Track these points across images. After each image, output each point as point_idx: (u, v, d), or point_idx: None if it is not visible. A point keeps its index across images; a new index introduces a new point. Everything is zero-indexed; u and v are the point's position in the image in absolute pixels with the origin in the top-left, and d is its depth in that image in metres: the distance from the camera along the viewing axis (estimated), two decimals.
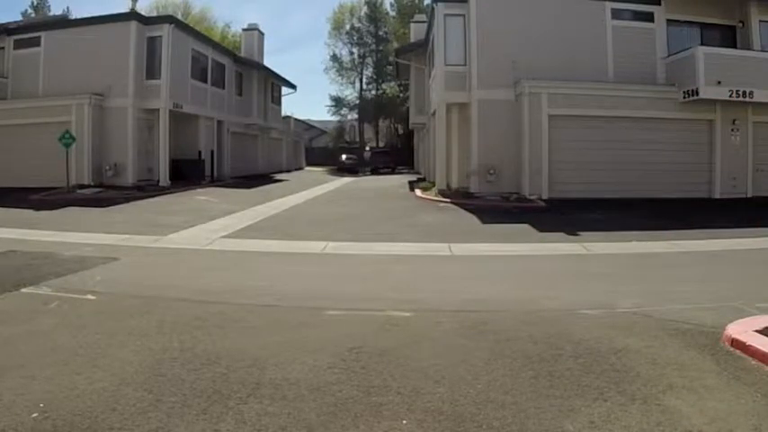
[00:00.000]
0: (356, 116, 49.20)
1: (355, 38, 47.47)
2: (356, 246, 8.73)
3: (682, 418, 2.80)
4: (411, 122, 27.83)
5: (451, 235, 9.74)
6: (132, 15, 18.98)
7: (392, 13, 46.81)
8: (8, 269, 6.51)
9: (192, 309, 4.90)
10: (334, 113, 49.96)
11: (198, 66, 21.89)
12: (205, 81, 22.45)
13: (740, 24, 16.23)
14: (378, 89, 48.08)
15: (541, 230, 10.18)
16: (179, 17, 29.21)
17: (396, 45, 37.98)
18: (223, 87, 24.18)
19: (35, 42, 19.47)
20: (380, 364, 3.55)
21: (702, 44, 15.28)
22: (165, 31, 19.18)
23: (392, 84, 45.70)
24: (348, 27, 47.67)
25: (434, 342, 4.03)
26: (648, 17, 16.08)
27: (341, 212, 13.19)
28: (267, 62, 29.73)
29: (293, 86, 32.46)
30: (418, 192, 17.76)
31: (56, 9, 46.85)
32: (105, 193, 16.58)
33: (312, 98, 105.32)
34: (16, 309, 4.89)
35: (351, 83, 48.49)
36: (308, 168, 39.00)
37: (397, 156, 39.49)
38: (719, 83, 14.42)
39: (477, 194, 15.28)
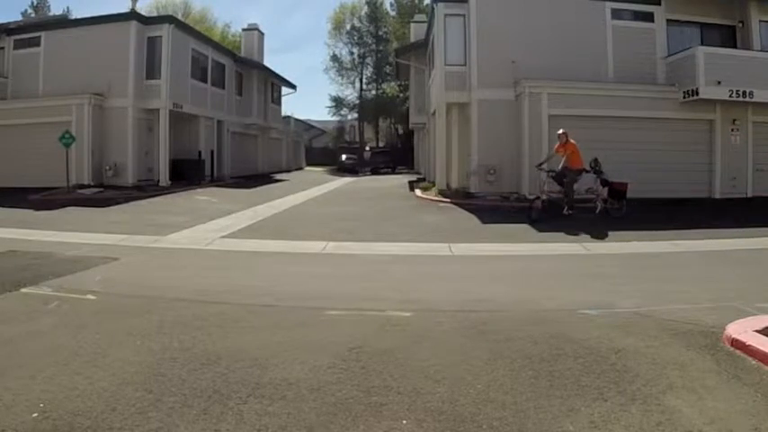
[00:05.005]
0: (356, 116, 49.22)
1: (355, 38, 47.52)
2: (356, 246, 8.73)
3: (682, 418, 2.80)
4: (411, 122, 27.85)
5: (451, 235, 9.74)
6: (132, 15, 18.97)
7: (392, 13, 46.87)
8: (8, 269, 6.51)
9: (192, 309, 4.90)
10: (334, 113, 50.08)
11: (198, 66, 21.90)
12: (205, 81, 22.46)
13: (740, 24, 16.22)
14: (378, 89, 48.10)
15: (541, 230, 10.18)
16: (179, 17, 29.24)
17: (396, 45, 38.01)
18: (223, 87, 24.19)
19: (35, 42, 19.47)
20: (380, 364, 3.55)
21: (702, 44, 15.28)
22: (164, 31, 19.18)
23: (392, 84, 45.73)
24: (348, 27, 47.76)
25: (434, 342, 4.03)
26: (648, 17, 16.07)
27: (341, 212, 13.19)
28: (267, 62, 29.79)
29: (293, 86, 32.49)
30: (418, 192, 17.77)
31: (56, 9, 47.01)
32: (105, 193, 16.58)
33: (312, 98, 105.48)
34: (16, 309, 4.89)
35: (351, 83, 48.60)
36: (308, 168, 39.00)
37: (397, 156, 39.52)
38: (719, 83, 14.42)
39: (478, 194, 15.28)
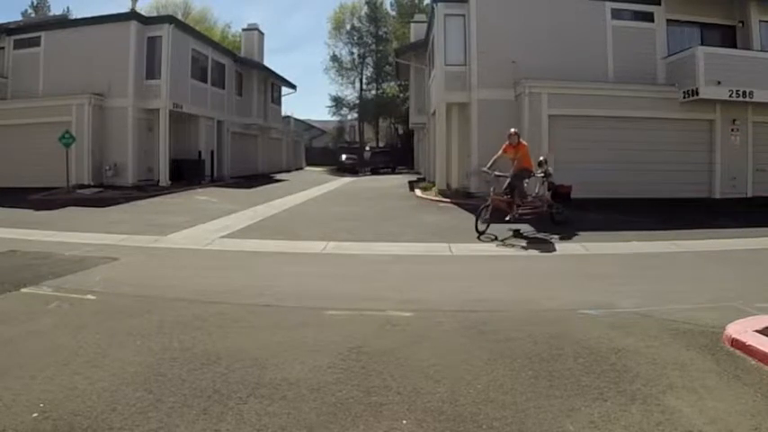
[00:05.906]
0: (356, 116, 49.25)
1: (355, 38, 47.58)
2: (356, 246, 8.72)
3: (682, 418, 2.80)
4: (411, 122, 27.86)
5: (451, 235, 9.74)
6: (132, 15, 18.99)
7: (392, 13, 46.90)
8: (8, 269, 6.51)
9: (191, 309, 4.90)
10: (334, 113, 50.15)
11: (198, 66, 21.91)
12: (205, 81, 22.46)
13: (740, 24, 16.23)
14: (378, 89, 48.14)
15: (541, 231, 10.17)
16: (179, 17, 29.28)
17: (396, 45, 38.02)
18: (223, 87, 24.19)
19: (35, 42, 19.49)
20: (380, 364, 3.55)
21: (702, 44, 15.28)
22: (164, 31, 19.20)
23: (392, 84, 45.77)
24: (348, 27, 47.81)
25: (434, 342, 4.03)
26: (648, 17, 16.09)
27: (341, 212, 13.19)
28: (267, 62, 29.81)
29: (293, 86, 32.51)
30: (418, 192, 17.77)
31: (56, 9, 47.02)
32: (105, 193, 16.58)
33: (312, 98, 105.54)
34: (16, 309, 4.89)
35: (351, 83, 48.66)
36: (308, 168, 39.02)
37: (397, 156, 39.55)
38: (719, 83, 14.42)
39: (477, 194, 15.24)
